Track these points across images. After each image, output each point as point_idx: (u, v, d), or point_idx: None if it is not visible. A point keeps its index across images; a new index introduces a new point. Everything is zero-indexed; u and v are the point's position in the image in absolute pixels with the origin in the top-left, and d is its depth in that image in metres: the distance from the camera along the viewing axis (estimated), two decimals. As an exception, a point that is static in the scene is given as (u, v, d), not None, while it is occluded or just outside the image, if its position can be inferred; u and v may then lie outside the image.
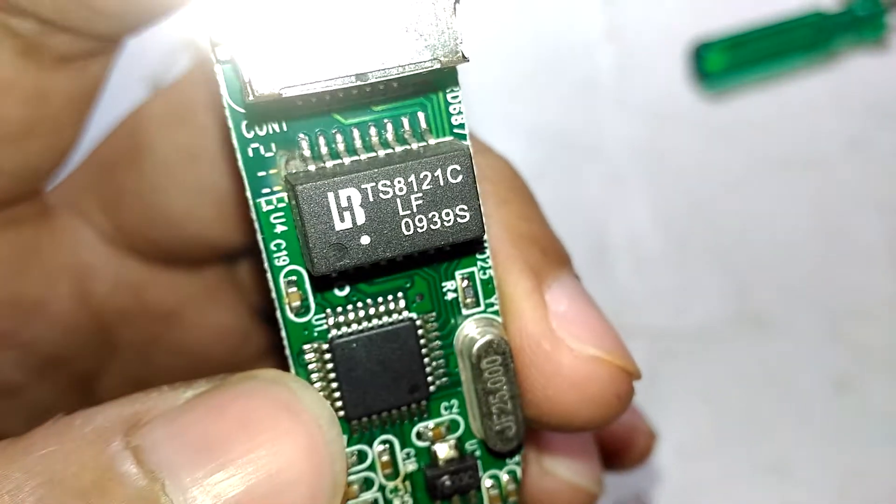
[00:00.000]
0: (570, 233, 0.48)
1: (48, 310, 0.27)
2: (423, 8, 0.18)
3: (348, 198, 0.18)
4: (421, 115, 0.20)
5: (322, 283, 0.19)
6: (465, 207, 0.19)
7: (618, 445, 0.30)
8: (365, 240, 0.18)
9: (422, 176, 0.18)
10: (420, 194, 0.18)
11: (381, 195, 0.18)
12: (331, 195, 0.18)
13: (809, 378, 0.49)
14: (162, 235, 0.28)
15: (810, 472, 0.48)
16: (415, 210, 0.18)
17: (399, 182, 0.18)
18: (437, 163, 0.18)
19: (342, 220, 0.18)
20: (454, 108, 0.20)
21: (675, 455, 0.48)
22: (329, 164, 0.19)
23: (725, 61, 0.48)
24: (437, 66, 0.18)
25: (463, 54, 0.18)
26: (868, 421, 0.49)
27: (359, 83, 0.18)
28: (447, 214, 0.19)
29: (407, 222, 0.18)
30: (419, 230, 0.18)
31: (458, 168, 0.19)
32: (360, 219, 0.18)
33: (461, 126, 0.20)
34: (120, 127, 0.28)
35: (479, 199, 0.19)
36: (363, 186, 0.18)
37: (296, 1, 0.17)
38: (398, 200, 0.18)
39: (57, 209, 0.28)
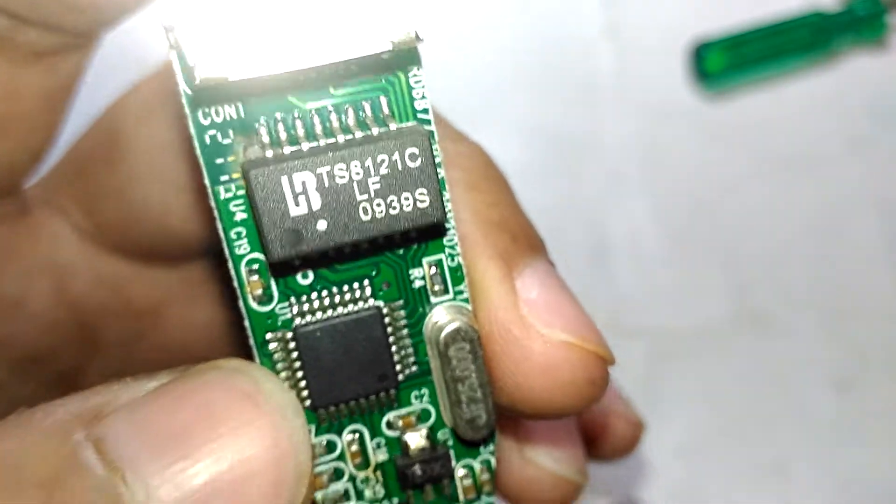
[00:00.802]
0: (570, 233, 0.49)
1: (26, 308, 0.27)
2: None
3: (303, 182, 0.18)
4: (383, 99, 0.19)
5: (285, 271, 0.19)
6: (425, 191, 0.18)
7: (600, 434, 0.30)
8: (322, 225, 0.18)
9: (379, 160, 0.18)
10: (377, 178, 0.18)
11: (337, 179, 0.18)
12: (284, 179, 0.18)
13: (809, 378, 0.49)
14: (141, 231, 0.27)
15: (810, 472, 0.48)
16: (372, 195, 0.18)
17: (355, 166, 0.18)
18: (394, 146, 0.18)
19: (297, 204, 0.18)
20: (417, 93, 0.19)
21: (675, 455, 0.48)
22: (287, 149, 0.18)
23: (725, 61, 0.48)
24: (389, 48, 0.18)
25: (417, 34, 0.18)
26: (868, 421, 0.49)
27: (308, 66, 0.17)
28: (406, 199, 0.18)
29: (365, 207, 0.18)
30: (378, 215, 0.18)
31: (416, 152, 0.18)
32: (316, 204, 0.18)
33: (425, 111, 0.20)
34: (97, 123, 0.27)
35: (438, 183, 0.19)
36: (318, 171, 0.18)
37: None
38: (355, 185, 0.18)
39: (34, 206, 0.27)
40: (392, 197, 0.18)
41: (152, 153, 0.26)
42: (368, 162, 0.18)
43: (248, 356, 0.31)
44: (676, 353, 0.49)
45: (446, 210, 0.19)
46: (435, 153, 0.19)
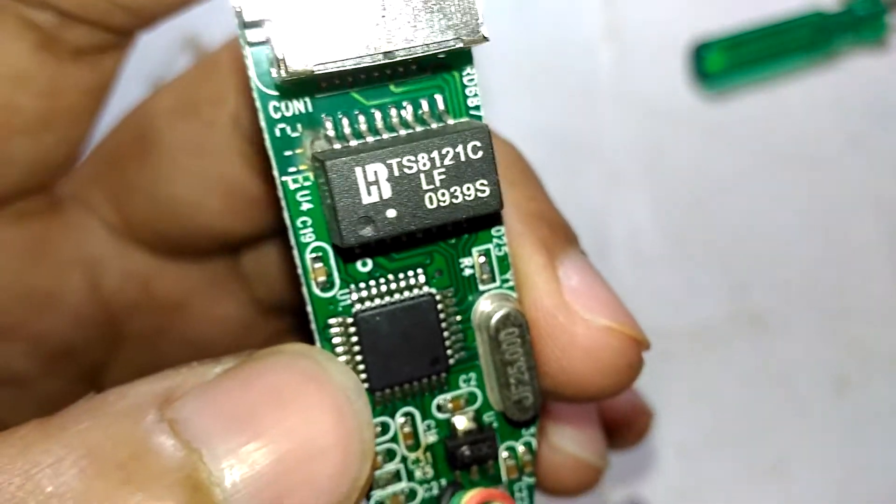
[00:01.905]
0: (570, 233, 0.49)
1: (59, 302, 0.28)
2: None
3: (375, 172, 0.19)
4: (438, 96, 0.20)
5: (347, 259, 0.20)
6: (485, 182, 0.20)
7: (619, 422, 0.31)
8: (391, 213, 0.19)
9: (444, 152, 0.19)
10: (443, 169, 0.19)
11: (405, 170, 0.19)
12: (358, 170, 0.19)
13: (809, 378, 0.49)
14: (169, 227, 0.28)
15: (810, 472, 0.48)
16: (438, 185, 0.19)
17: (423, 157, 0.19)
18: (458, 139, 0.19)
19: (369, 193, 0.19)
20: (470, 90, 0.21)
21: (675, 455, 0.48)
22: (353, 142, 0.19)
23: (725, 61, 0.48)
24: (460, 45, 0.19)
25: (484, 35, 0.19)
26: (868, 421, 0.49)
27: (386, 61, 0.18)
28: (468, 189, 0.19)
29: (430, 196, 0.19)
30: (442, 204, 0.19)
31: (479, 144, 0.19)
32: (387, 193, 0.19)
33: (477, 108, 0.21)
34: (126, 120, 0.28)
35: (497, 175, 0.20)
36: (389, 161, 0.19)
37: None
38: (422, 175, 0.19)
39: (65, 202, 0.28)
40: (455, 187, 0.19)
41: (183, 150, 0.27)
42: (435, 154, 0.19)
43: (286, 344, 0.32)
44: (676, 353, 0.49)
45: (502, 200, 0.20)
46: (493, 147, 0.20)
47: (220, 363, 0.18)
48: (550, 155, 0.47)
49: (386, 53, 0.18)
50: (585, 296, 0.22)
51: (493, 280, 0.22)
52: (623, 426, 0.32)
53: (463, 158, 0.19)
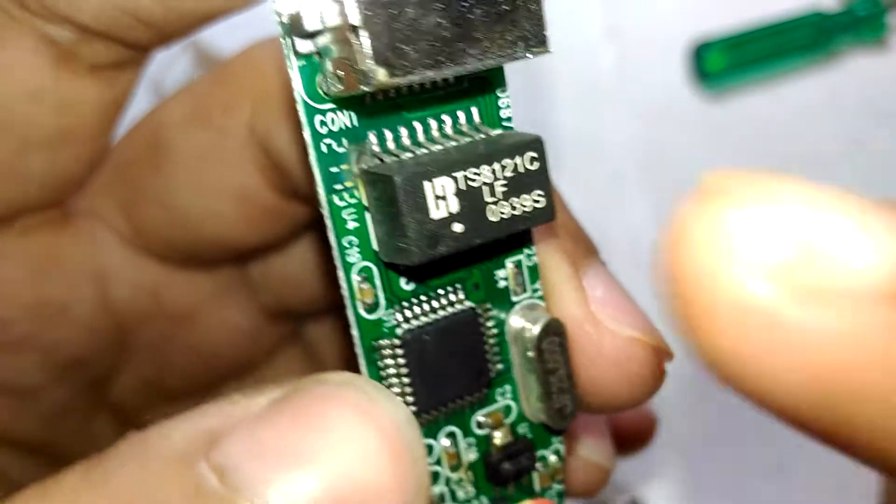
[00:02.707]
0: (570, 233, 0.49)
1: (69, 314, 0.27)
2: None
3: (443, 186, 0.18)
4: (474, 108, 0.20)
5: (392, 279, 0.20)
6: (542, 193, 0.19)
7: (625, 427, 0.31)
8: (457, 227, 0.18)
9: (504, 163, 0.19)
10: (504, 181, 0.19)
11: (470, 183, 0.18)
12: (427, 184, 0.18)
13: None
14: (181, 236, 0.27)
15: (810, 472, 0.48)
16: (500, 197, 0.19)
17: (486, 169, 0.19)
18: (516, 150, 0.19)
19: (437, 208, 0.18)
20: (503, 102, 0.21)
21: (676, 455, 0.48)
22: (405, 156, 0.19)
23: (725, 61, 0.48)
24: (529, 56, 0.19)
25: (548, 46, 0.19)
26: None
27: (458, 72, 0.18)
28: (525, 200, 0.19)
29: (492, 209, 0.19)
30: (503, 216, 0.19)
31: (535, 156, 0.19)
32: (454, 207, 0.18)
33: (509, 119, 0.21)
34: (137, 129, 0.28)
35: (551, 185, 0.20)
36: (455, 175, 0.18)
37: None
38: (485, 188, 0.19)
39: (75, 212, 0.27)
40: (514, 199, 0.19)
41: (196, 159, 0.26)
42: (496, 165, 0.19)
43: (279, 359, 0.32)
44: (676, 353, 0.49)
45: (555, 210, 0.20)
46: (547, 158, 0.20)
47: (263, 393, 0.17)
48: (550, 155, 0.47)
49: (462, 65, 0.18)
50: (610, 306, 0.22)
51: (525, 290, 0.21)
52: (629, 431, 0.32)
53: (521, 170, 0.19)
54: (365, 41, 0.17)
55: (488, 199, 0.19)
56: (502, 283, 0.21)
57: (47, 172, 0.25)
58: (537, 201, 0.19)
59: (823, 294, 0.11)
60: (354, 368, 0.19)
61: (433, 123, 0.20)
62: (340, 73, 0.17)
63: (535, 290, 0.21)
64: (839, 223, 0.12)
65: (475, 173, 0.18)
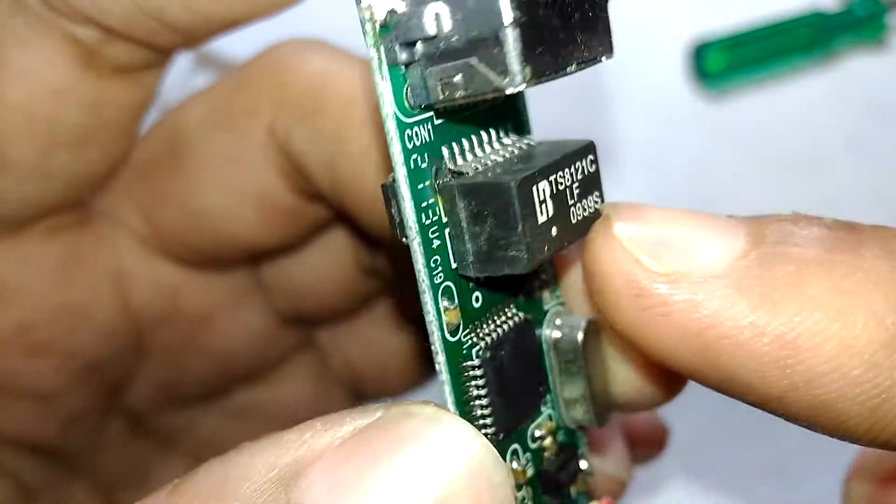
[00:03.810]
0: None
1: (90, 317, 0.27)
2: (594, 3, 0.18)
3: (543, 190, 0.18)
4: (508, 122, 0.20)
5: (464, 296, 0.19)
6: (598, 194, 0.20)
7: (638, 438, 0.32)
8: (554, 231, 0.18)
9: (576, 166, 0.19)
10: (577, 184, 0.19)
11: (559, 186, 0.18)
12: (534, 188, 0.18)
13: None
14: (200, 237, 0.27)
15: (810, 472, 0.48)
16: (577, 199, 0.19)
17: (567, 172, 0.19)
18: (581, 154, 0.19)
19: (542, 213, 0.18)
20: (523, 109, 0.21)
21: (675, 455, 0.48)
22: (479, 167, 0.19)
23: (725, 61, 0.48)
24: (604, 60, 0.19)
25: (613, 50, 0.19)
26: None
27: (568, 74, 0.18)
28: (590, 202, 0.19)
29: (573, 211, 0.19)
30: (579, 218, 0.19)
31: (593, 158, 0.20)
32: (551, 210, 0.18)
33: (529, 125, 0.21)
34: (156, 130, 0.28)
35: (602, 187, 0.20)
36: (550, 178, 0.18)
37: None
38: (567, 191, 0.19)
39: (95, 214, 0.27)
40: (584, 201, 0.19)
41: (217, 161, 0.26)
42: (572, 168, 0.19)
43: (293, 362, 0.31)
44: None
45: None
46: None
47: (345, 423, 0.16)
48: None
49: (568, 67, 0.17)
50: None
51: (552, 297, 0.21)
52: (642, 442, 0.32)
53: (586, 173, 0.19)
54: (516, 41, 0.16)
55: (570, 201, 0.19)
56: (537, 291, 0.21)
57: (71, 172, 0.25)
58: (597, 202, 0.20)
59: (678, 276, 0.17)
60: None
61: (484, 136, 0.19)
62: (456, 78, 0.17)
63: (557, 297, 0.22)
64: (686, 229, 0.18)
65: (561, 177, 0.18)
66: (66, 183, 0.26)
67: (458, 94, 0.17)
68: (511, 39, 0.16)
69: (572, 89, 0.47)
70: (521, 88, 0.16)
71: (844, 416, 0.18)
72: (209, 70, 0.41)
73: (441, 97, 0.17)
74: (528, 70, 0.16)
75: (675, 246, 0.18)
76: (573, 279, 0.22)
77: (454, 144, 0.19)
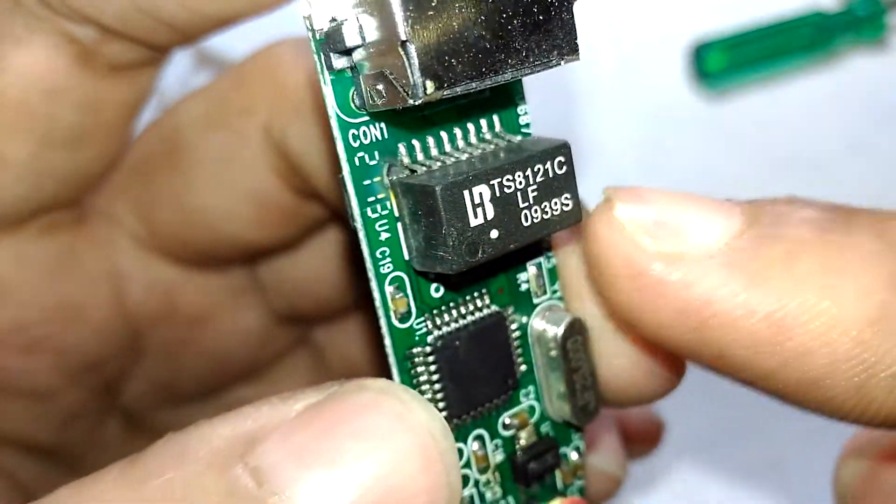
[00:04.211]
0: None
1: (85, 316, 0.27)
2: (549, 6, 0.18)
3: (480, 194, 0.19)
4: (496, 117, 0.21)
5: (422, 287, 0.20)
6: (569, 196, 0.20)
7: (634, 434, 0.32)
8: (494, 234, 0.19)
9: (535, 168, 0.19)
10: (535, 186, 0.19)
11: (505, 189, 0.19)
12: (466, 192, 0.18)
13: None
14: (196, 236, 0.27)
15: (810, 472, 0.48)
16: (531, 202, 0.19)
17: (519, 176, 0.19)
18: (546, 156, 0.19)
19: (475, 216, 0.19)
20: (521, 108, 0.21)
21: (676, 455, 0.48)
22: (434, 166, 0.19)
23: (725, 61, 0.48)
24: (563, 63, 0.19)
25: (579, 53, 0.19)
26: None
27: (498, 81, 0.18)
28: (555, 204, 0.20)
29: (526, 214, 0.19)
30: (535, 220, 0.19)
31: (563, 160, 0.20)
32: (490, 214, 0.19)
33: (527, 125, 0.21)
34: (152, 130, 0.28)
35: (577, 188, 0.20)
36: (492, 182, 0.19)
37: (448, 4, 0.17)
38: (518, 193, 0.19)
39: (91, 213, 0.27)
40: (545, 203, 0.19)
41: (213, 160, 0.26)
42: (528, 171, 0.19)
43: (289, 361, 0.31)
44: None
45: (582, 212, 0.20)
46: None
47: (299, 399, 0.17)
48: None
49: (502, 75, 0.18)
50: None
51: (545, 292, 0.22)
52: (637, 438, 0.32)
53: (551, 175, 0.19)
54: (413, 55, 0.17)
55: (522, 204, 0.19)
56: (524, 287, 0.21)
57: (66, 171, 0.25)
58: (566, 204, 0.20)
59: (675, 256, 0.18)
60: (382, 375, 0.19)
61: (458, 133, 0.20)
62: (380, 87, 0.18)
63: (554, 292, 0.22)
64: (684, 211, 0.19)
65: (509, 180, 0.19)
66: (62, 181, 0.26)
67: (380, 101, 0.18)
68: (406, 54, 0.17)
69: (572, 89, 0.47)
70: (423, 100, 0.17)
71: (832, 392, 0.18)
72: (209, 69, 0.41)
73: (370, 103, 0.18)
74: (428, 83, 0.17)
75: (673, 227, 0.19)
76: (574, 272, 0.22)
77: (416, 142, 0.19)
